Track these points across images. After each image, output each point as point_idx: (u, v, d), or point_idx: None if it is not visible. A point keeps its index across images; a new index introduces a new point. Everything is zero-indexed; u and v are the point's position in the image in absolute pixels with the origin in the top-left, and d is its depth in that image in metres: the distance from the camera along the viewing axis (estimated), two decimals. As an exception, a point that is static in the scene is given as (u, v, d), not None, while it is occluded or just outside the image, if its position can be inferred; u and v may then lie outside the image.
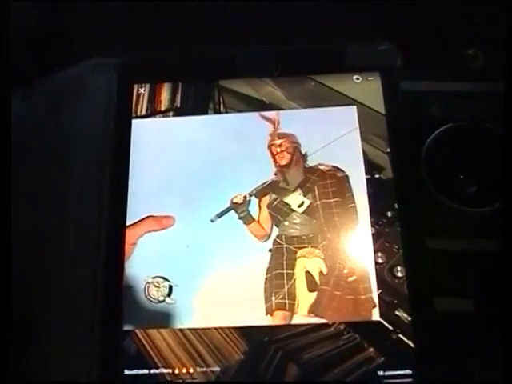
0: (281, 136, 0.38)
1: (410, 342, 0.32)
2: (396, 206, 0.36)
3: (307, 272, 0.35)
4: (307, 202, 0.37)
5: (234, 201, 0.37)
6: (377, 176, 0.37)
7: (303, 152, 0.38)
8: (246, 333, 0.33)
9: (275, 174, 0.38)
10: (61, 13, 0.44)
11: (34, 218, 0.38)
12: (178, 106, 0.40)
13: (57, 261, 0.36)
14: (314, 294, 0.34)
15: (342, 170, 0.37)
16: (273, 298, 0.34)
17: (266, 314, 0.34)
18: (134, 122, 0.39)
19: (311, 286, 0.35)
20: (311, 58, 0.39)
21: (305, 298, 0.34)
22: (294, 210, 0.37)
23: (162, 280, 0.35)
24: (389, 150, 0.37)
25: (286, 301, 0.34)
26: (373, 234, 0.35)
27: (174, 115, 0.40)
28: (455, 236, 0.35)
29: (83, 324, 0.34)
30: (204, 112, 0.39)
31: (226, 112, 0.39)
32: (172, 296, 0.35)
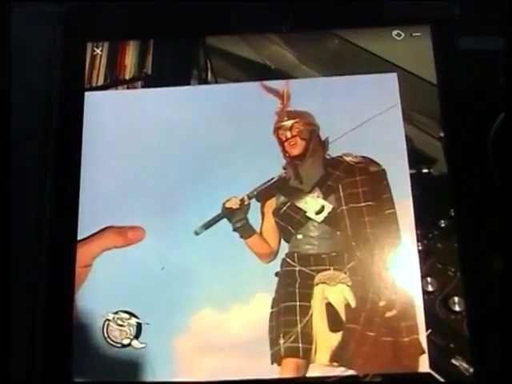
0: (292, 115, 0.38)
1: (472, 404, 0.33)
2: (452, 212, 0.36)
3: (329, 304, 0.35)
4: (328, 208, 0.36)
5: (228, 205, 0.36)
6: (425, 171, 0.36)
7: (323, 137, 0.37)
8: (245, 389, 0.34)
9: (284, 169, 0.37)
10: None
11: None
12: (149, 73, 0.39)
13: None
14: (339, 336, 0.34)
15: (376, 163, 0.37)
16: (281, 341, 0.34)
17: (272, 362, 0.34)
18: (88, 95, 0.39)
19: (334, 324, 0.34)
20: (335, 7, 0.39)
21: (325, 341, 0.34)
22: (310, 219, 0.36)
23: (127, 316, 0.35)
24: (442, 134, 0.37)
25: (300, 345, 0.34)
26: (420, 252, 0.35)
27: (143, 86, 0.39)
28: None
29: (20, 375, 0.34)
30: (185, 82, 0.39)
31: (216, 82, 0.39)
32: (141, 338, 0.35)
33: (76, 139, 0.38)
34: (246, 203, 0.36)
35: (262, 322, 0.35)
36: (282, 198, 0.37)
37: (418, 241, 0.35)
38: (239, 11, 0.39)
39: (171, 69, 0.39)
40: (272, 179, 0.37)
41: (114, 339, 0.35)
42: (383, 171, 0.36)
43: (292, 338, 0.34)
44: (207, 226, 0.36)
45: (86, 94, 0.39)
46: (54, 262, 0.36)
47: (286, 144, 0.37)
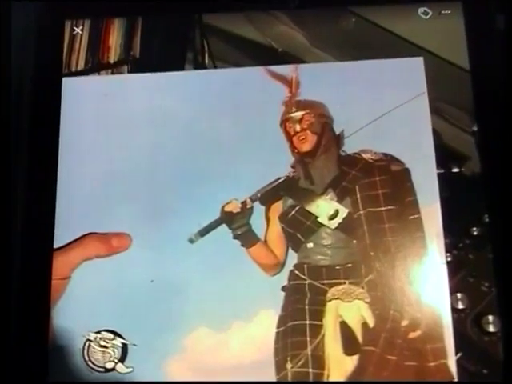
0: (301, 106, 0.38)
1: None
2: (486, 218, 0.35)
3: (343, 323, 0.35)
4: (343, 212, 0.36)
5: (227, 209, 0.36)
6: (456, 170, 0.36)
7: (337, 131, 0.37)
8: (247, 420, 0.34)
9: (292, 167, 0.37)
10: None
11: None
12: (137, 55, 0.39)
13: None
14: (354, 360, 0.34)
15: (399, 161, 0.36)
16: (288, 366, 0.34)
17: (279, 389, 0.34)
18: (66, 81, 0.39)
19: (349, 346, 0.34)
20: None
21: (339, 366, 0.34)
22: (322, 225, 0.36)
23: (111, 336, 0.35)
24: (476, 127, 0.37)
25: (310, 370, 0.34)
26: (449, 263, 0.35)
27: (130, 71, 0.39)
28: None
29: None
30: (178, 66, 0.39)
31: (214, 66, 0.39)
32: (127, 362, 0.35)
33: (52, 132, 0.38)
34: (248, 207, 0.36)
35: (267, 344, 0.35)
36: (290, 201, 0.37)
37: (446, 251, 0.35)
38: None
39: (162, 51, 0.39)
40: (278, 179, 0.37)
41: (95, 362, 0.35)
42: (407, 170, 0.36)
43: (301, 362, 0.34)
44: (203, 232, 0.36)
45: (64, 79, 0.39)
46: (26, 274, 0.36)
47: (294, 139, 0.37)
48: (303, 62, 0.38)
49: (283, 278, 0.35)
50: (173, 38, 0.39)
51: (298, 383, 0.33)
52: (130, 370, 0.35)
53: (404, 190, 0.36)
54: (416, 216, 0.35)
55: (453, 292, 0.34)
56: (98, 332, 0.35)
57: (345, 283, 0.35)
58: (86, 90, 0.39)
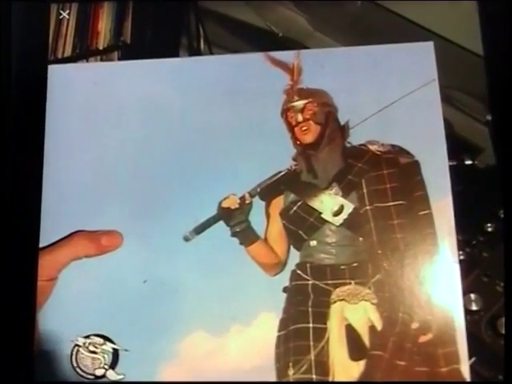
0: (304, 94, 0.37)
1: None
2: (502, 213, 0.35)
3: (349, 326, 0.34)
4: (349, 208, 0.35)
5: (225, 205, 0.35)
6: (469, 162, 0.36)
7: (342, 121, 0.36)
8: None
9: (294, 160, 0.36)
10: None
11: None
12: (128, 41, 0.39)
13: None
14: (361, 365, 0.33)
15: (408, 153, 0.35)
16: (290, 372, 0.33)
17: (280, 397, 0.34)
18: (53, 68, 0.38)
19: (356, 350, 0.33)
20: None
21: (345, 372, 0.33)
22: (326, 221, 0.35)
23: (101, 341, 0.34)
24: (490, 117, 0.36)
25: (314, 376, 0.33)
26: (461, 262, 0.34)
27: (120, 58, 0.39)
28: None
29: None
30: (172, 52, 0.38)
31: (210, 52, 0.38)
32: (118, 368, 0.34)
33: (37, 124, 0.37)
34: (247, 202, 0.36)
35: (267, 348, 0.34)
36: (292, 196, 0.36)
37: (459, 249, 0.34)
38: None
39: (155, 37, 0.39)
40: (279, 173, 0.36)
41: (84, 369, 0.34)
42: (416, 163, 0.35)
43: (304, 368, 0.33)
44: (200, 230, 0.35)
45: (50, 67, 0.38)
46: (10, 275, 0.35)
47: (296, 129, 0.36)
48: (305, 47, 0.38)
49: (285, 279, 0.35)
50: (166, 23, 0.39)
51: (299, 383, 0.33)
52: (122, 376, 0.34)
53: (413, 183, 0.35)
54: (426, 211, 0.35)
55: (466, 292, 0.34)
56: (87, 336, 0.34)
57: (350, 283, 0.34)
58: (73, 78, 0.38)
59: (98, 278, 0.35)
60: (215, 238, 0.35)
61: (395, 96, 0.36)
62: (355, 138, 0.36)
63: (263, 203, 0.36)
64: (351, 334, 0.34)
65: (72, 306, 0.35)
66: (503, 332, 0.33)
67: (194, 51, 0.38)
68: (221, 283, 0.34)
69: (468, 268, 0.34)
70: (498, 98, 0.36)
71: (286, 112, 0.37)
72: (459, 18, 0.37)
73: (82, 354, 0.34)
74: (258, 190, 0.36)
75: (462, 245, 0.34)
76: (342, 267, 0.35)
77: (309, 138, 0.36)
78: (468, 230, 0.34)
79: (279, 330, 0.34)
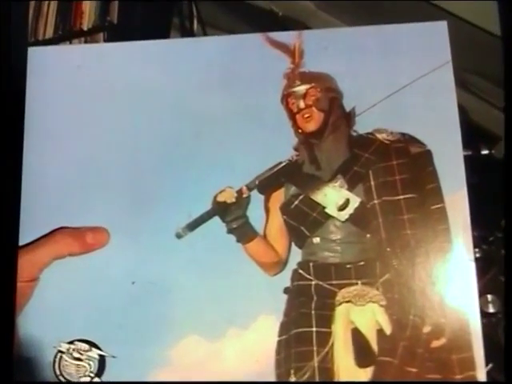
0: (306, 78, 0.36)
1: None
2: None
3: (355, 330, 0.33)
4: (355, 202, 0.34)
5: (220, 199, 0.35)
6: (485, 152, 0.35)
7: (347, 108, 0.35)
8: None
9: (296, 150, 0.35)
10: None
11: None
12: (115, 21, 0.38)
13: None
14: (368, 372, 0.32)
15: (419, 142, 0.34)
16: (292, 379, 0.33)
17: (281, 406, 0.33)
18: (33, 50, 0.37)
19: (363, 356, 0.33)
20: None
21: (351, 379, 0.32)
22: (330, 216, 0.34)
23: (86, 347, 0.34)
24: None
25: None
26: (477, 260, 0.33)
27: (106, 39, 0.38)
28: None
29: None
30: (163, 33, 0.37)
31: (204, 33, 0.37)
32: (105, 376, 0.33)
33: (16, 112, 0.36)
34: (244, 196, 0.35)
35: (267, 354, 0.33)
36: (293, 189, 0.35)
37: (474, 246, 0.33)
38: None
39: (144, 16, 0.37)
40: (279, 164, 0.35)
41: (68, 377, 0.34)
42: (428, 153, 0.34)
43: (307, 375, 0.33)
44: (193, 226, 0.34)
45: (30, 49, 0.37)
46: None
47: (298, 117, 0.35)
48: (307, 27, 0.37)
49: (285, 279, 0.34)
50: (156, 1, 0.37)
51: (300, 383, 0.33)
52: (108, 385, 0.34)
53: (425, 175, 0.34)
54: (439, 205, 0.34)
55: (482, 293, 0.33)
56: (71, 342, 0.34)
57: (357, 284, 0.34)
58: (55, 61, 0.37)
59: (82, 279, 0.34)
60: (210, 235, 0.35)
61: (405, 80, 0.35)
62: (362, 126, 0.35)
63: (262, 197, 0.35)
64: (358, 338, 0.33)
65: (55, 309, 0.34)
66: (523, 336, 0.33)
67: (187, 32, 0.37)
68: (216, 284, 0.34)
69: (484, 267, 0.34)
70: (519, 81, 0.35)
71: (286, 98, 0.36)
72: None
73: (66, 361, 0.34)
74: (257, 182, 0.35)
75: (478, 241, 0.34)
76: (348, 266, 0.34)
77: (311, 126, 0.36)
78: (484, 225, 0.34)
79: (280, 335, 0.34)
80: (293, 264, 0.34)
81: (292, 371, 0.33)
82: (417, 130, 0.35)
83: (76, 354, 0.33)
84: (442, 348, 0.32)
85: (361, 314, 0.33)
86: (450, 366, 0.32)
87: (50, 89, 0.37)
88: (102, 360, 0.33)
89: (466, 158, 0.34)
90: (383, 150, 0.35)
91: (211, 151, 0.35)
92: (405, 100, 0.35)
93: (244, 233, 0.34)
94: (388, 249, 0.34)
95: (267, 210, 0.35)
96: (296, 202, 0.35)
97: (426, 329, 0.33)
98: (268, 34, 0.36)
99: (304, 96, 0.36)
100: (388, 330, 0.33)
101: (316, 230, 0.35)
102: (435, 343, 0.32)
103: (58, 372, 0.33)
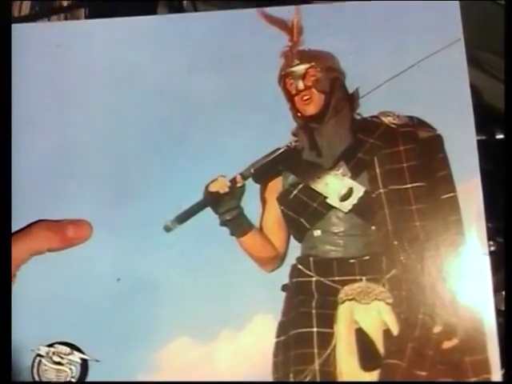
0: (305, 57, 0.35)
1: None
2: None
3: (359, 331, 0.32)
4: (359, 191, 0.33)
5: (212, 189, 0.34)
6: (500, 137, 0.34)
7: (350, 89, 0.34)
8: None
9: (294, 135, 0.34)
10: None
11: None
12: None
13: None
14: (374, 376, 0.32)
15: (428, 126, 0.34)
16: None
17: (278, 413, 0.33)
18: (16, 27, 0.35)
19: (368, 358, 0.32)
20: None
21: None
22: (332, 207, 0.33)
23: (67, 350, 0.33)
24: None
25: None
26: (492, 254, 0.32)
27: (88, 16, 0.37)
28: None
29: None
30: (149, 9, 0.36)
31: (194, 9, 0.36)
32: (88, 381, 0.32)
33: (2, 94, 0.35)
34: (238, 185, 0.34)
35: (264, 357, 0.33)
36: (292, 178, 0.34)
37: (488, 238, 0.32)
38: None
39: None
40: (277, 150, 0.34)
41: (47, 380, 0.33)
42: (439, 137, 0.34)
43: (307, 379, 0.32)
44: (183, 218, 0.34)
45: (14, 26, 0.36)
46: None
47: (296, 99, 0.35)
48: (306, 1, 0.36)
49: (284, 275, 0.33)
50: None
51: (300, 383, 0.32)
52: (91, 391, 0.33)
53: (435, 162, 0.34)
54: (451, 194, 0.33)
55: (497, 290, 0.32)
56: (51, 345, 0.33)
57: (361, 280, 0.33)
58: (32, 40, 0.36)
59: (63, 276, 0.33)
60: (201, 228, 0.34)
61: (413, 59, 0.34)
62: (366, 109, 0.35)
63: (258, 186, 0.34)
64: (362, 339, 0.33)
65: (33, 309, 0.33)
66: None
67: (175, 7, 0.36)
68: (208, 281, 0.33)
69: (499, 261, 0.32)
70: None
71: (284, 78, 0.35)
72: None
73: (45, 365, 0.33)
74: (252, 170, 0.34)
75: (492, 233, 0.33)
76: (351, 261, 0.34)
77: (311, 109, 0.35)
78: (499, 216, 0.32)
79: (277, 336, 0.33)
80: (291, 259, 0.34)
81: (291, 375, 0.32)
82: (426, 112, 0.34)
83: (56, 358, 0.33)
84: (453, 349, 0.32)
85: (365, 312, 0.33)
86: (463, 369, 0.32)
87: (27, 70, 0.35)
88: (84, 364, 0.33)
89: (479, 142, 0.33)
90: (389, 134, 0.34)
91: (202, 137, 0.34)
92: (412, 80, 0.34)
93: (238, 225, 0.34)
94: (395, 242, 0.33)
95: (263, 201, 0.34)
96: (295, 192, 0.34)
97: (437, 329, 0.32)
98: (264, 8, 0.35)
99: (303, 76, 0.35)
100: (395, 330, 0.32)
101: (316, 222, 0.34)
102: (446, 344, 0.32)
103: (36, 377, 0.32)
